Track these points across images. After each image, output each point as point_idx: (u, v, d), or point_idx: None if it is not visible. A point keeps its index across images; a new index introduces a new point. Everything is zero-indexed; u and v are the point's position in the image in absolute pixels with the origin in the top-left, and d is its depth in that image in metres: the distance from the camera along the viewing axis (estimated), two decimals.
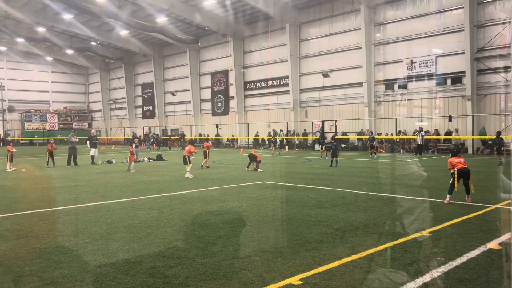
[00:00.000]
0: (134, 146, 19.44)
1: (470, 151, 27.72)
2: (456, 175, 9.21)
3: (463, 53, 27.53)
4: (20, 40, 49.17)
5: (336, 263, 5.23)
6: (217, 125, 44.69)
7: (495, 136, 21.48)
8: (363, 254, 5.61)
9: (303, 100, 38.08)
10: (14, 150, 19.91)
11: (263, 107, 41.62)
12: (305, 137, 36.60)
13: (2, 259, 5.61)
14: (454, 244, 6.06)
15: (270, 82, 40.45)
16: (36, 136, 58.07)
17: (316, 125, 35.62)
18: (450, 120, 27.91)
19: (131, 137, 28.28)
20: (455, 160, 9.55)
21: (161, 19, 38.78)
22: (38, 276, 4.93)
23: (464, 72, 27.70)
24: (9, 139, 50.38)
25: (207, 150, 19.53)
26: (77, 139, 22.69)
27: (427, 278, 4.74)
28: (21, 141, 55.58)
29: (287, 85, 38.39)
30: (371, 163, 20.73)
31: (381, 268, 5.11)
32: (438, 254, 5.62)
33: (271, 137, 33.35)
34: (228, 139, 44.80)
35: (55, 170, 19.08)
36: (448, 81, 29.23)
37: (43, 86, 61.76)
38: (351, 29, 33.84)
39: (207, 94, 47.45)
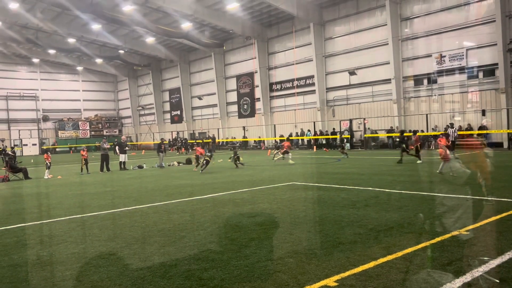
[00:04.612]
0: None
1: (506, 145, 26.76)
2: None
3: (495, 44, 26.64)
4: (52, 51, 50.97)
5: (372, 264, 5.15)
6: (244, 127, 44.88)
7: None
8: (399, 254, 5.50)
9: (329, 99, 37.77)
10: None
11: (289, 108, 41.51)
12: (334, 136, 36.25)
13: (44, 264, 5.82)
14: (494, 242, 5.87)
15: (295, 82, 40.32)
16: (69, 144, 59.95)
17: (344, 124, 35.25)
18: (483, 114, 27.04)
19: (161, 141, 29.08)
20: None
21: (186, 25, 39.33)
22: (79, 281, 5.08)
23: (497, 64, 26.80)
24: (44, 147, 52.19)
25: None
26: (108, 146, 23.29)
27: (467, 277, 4.60)
28: (57, 149, 57.55)
29: (313, 84, 38.17)
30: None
31: (418, 268, 5.00)
32: (477, 253, 5.45)
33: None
34: (255, 141, 44.94)
35: (89, 176, 19.64)
36: (480, 74, 28.34)
37: (74, 95, 63.66)
38: (377, 25, 33.33)
39: (233, 97, 47.75)
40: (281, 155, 23.47)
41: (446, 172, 13.09)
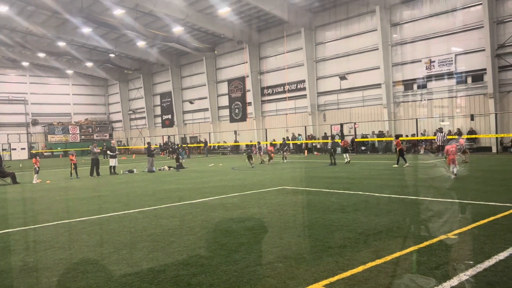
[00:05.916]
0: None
1: (494, 149, 27.07)
2: None
3: (483, 50, 27.00)
4: (41, 55, 50.57)
5: (360, 268, 5.17)
6: (235, 132, 44.86)
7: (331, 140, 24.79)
8: (388, 258, 5.52)
9: (320, 103, 37.92)
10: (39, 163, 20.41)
11: (281, 112, 41.60)
12: (325, 141, 36.37)
13: (30, 270, 5.74)
14: (481, 246, 5.91)
15: (287, 87, 40.44)
16: (59, 148, 59.40)
17: (335, 128, 35.41)
18: (472, 119, 27.35)
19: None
20: None
21: (177, 29, 39.30)
22: (66, 287, 5.01)
23: (485, 69, 27.15)
24: (33, 151, 51.66)
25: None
26: (98, 150, 23.12)
27: (454, 282, 4.63)
28: (45, 153, 56.99)
29: (304, 89, 38.32)
30: (392, 166, 20.44)
31: (406, 272, 5.02)
32: (465, 257, 5.49)
33: (281, 142, 33.16)
34: (246, 145, 44.89)
35: (78, 181, 19.46)
36: (469, 79, 28.68)
37: (64, 98, 63.21)
38: (367, 31, 33.59)
39: (224, 101, 47.74)
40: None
41: (459, 173, 13.23)
